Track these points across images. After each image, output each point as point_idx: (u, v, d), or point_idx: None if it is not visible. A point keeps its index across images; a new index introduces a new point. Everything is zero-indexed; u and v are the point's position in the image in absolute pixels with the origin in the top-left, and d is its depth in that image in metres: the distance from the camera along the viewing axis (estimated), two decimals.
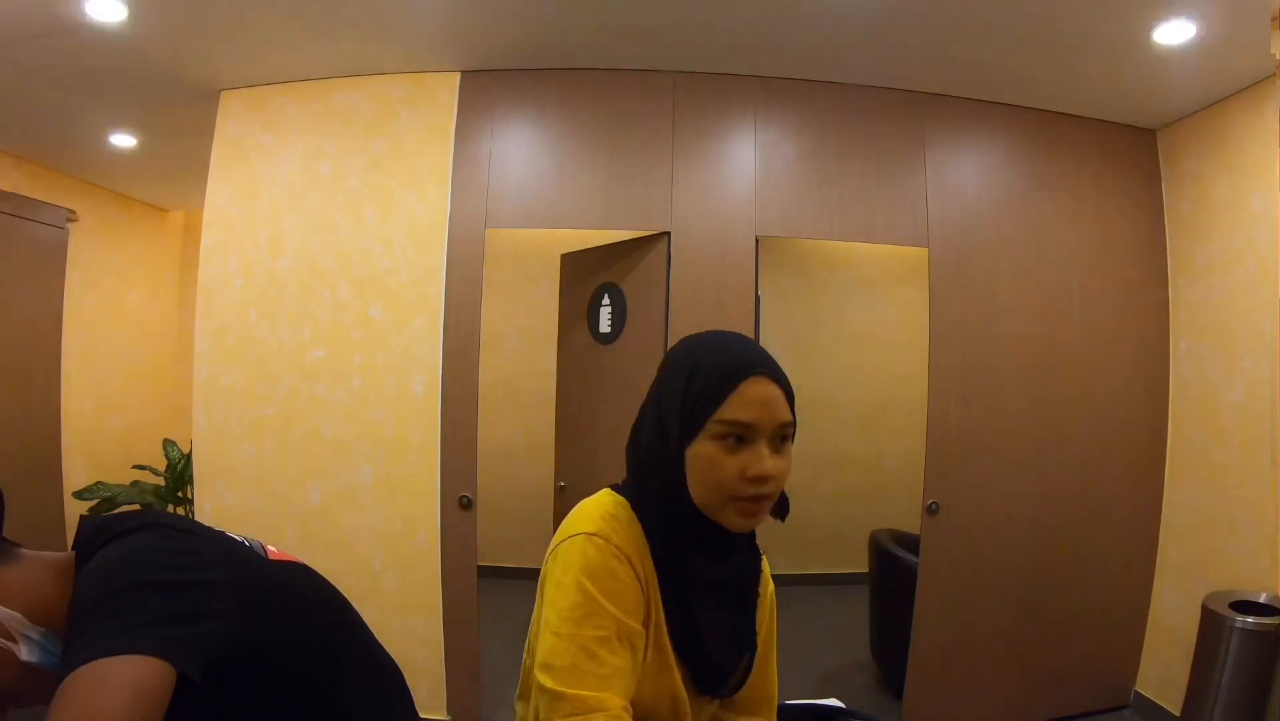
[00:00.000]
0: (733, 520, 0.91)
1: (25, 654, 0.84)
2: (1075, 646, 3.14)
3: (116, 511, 0.97)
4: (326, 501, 2.95)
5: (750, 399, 0.90)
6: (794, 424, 0.94)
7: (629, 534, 0.93)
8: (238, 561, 0.93)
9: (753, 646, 1.03)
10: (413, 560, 2.93)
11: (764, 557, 1.07)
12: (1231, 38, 2.47)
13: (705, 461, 0.90)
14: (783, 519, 0.99)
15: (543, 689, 0.84)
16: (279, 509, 2.96)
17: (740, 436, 0.90)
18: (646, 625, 0.91)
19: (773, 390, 0.91)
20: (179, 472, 4.18)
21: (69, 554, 0.92)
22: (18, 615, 0.85)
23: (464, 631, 2.92)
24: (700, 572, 0.95)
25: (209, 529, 0.97)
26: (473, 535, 2.92)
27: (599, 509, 0.95)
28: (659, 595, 0.93)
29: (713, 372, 0.92)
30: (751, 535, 1.03)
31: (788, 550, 4.72)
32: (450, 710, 2.92)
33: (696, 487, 0.92)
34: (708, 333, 1.01)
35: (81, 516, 0.94)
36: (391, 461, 2.93)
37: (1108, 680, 3.20)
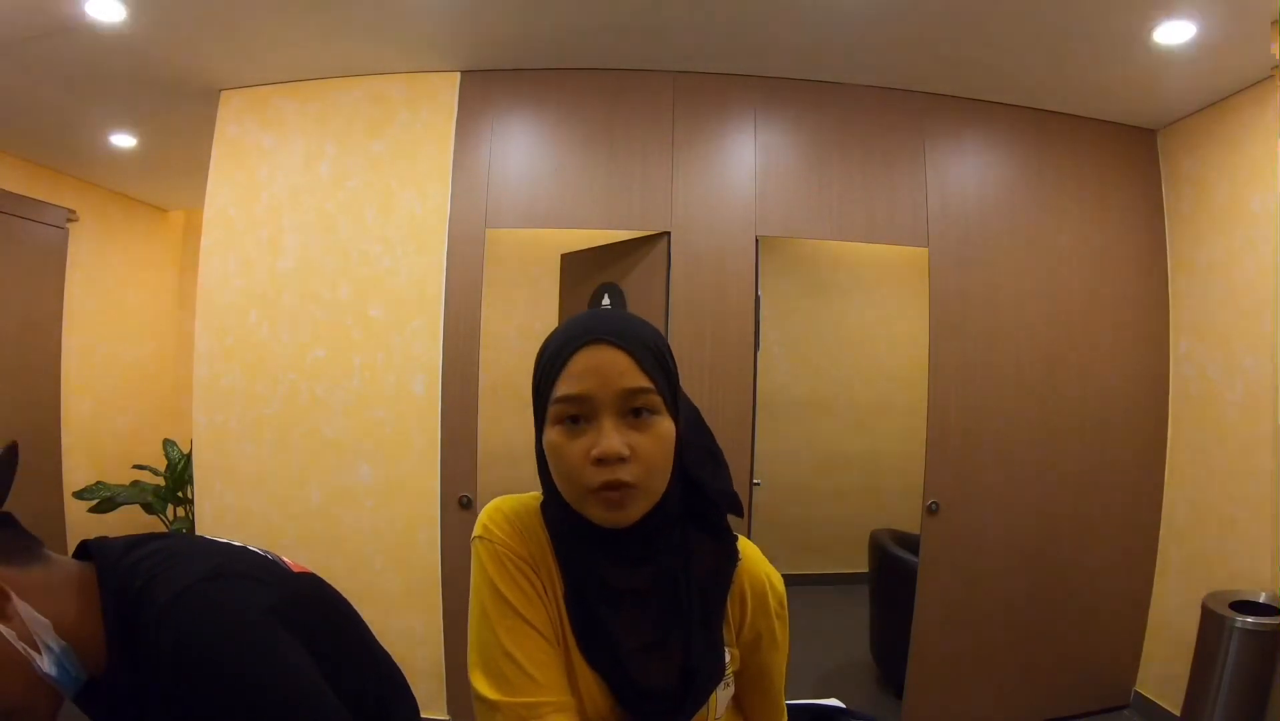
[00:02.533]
0: (597, 513, 0.80)
1: (46, 665, 0.81)
2: (1075, 646, 3.14)
3: (137, 539, 0.95)
4: (326, 501, 2.95)
5: (580, 369, 0.80)
6: (659, 390, 0.81)
7: (522, 530, 0.86)
8: (278, 579, 0.94)
9: (704, 672, 0.85)
10: (413, 560, 2.93)
11: (742, 561, 0.89)
12: (1231, 38, 2.47)
13: (552, 449, 0.81)
14: (737, 514, 0.90)
15: (478, 696, 0.81)
16: (279, 509, 2.96)
17: (578, 415, 0.80)
18: (553, 623, 0.85)
19: (611, 356, 0.80)
20: (179, 472, 4.18)
21: (87, 565, 0.89)
22: (48, 623, 0.82)
23: (464, 632, 2.92)
24: (609, 579, 0.84)
25: (248, 554, 0.97)
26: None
27: (493, 506, 0.89)
28: (562, 595, 0.85)
29: (551, 351, 0.84)
30: (704, 531, 0.89)
31: (788, 550, 4.73)
32: (450, 710, 2.92)
33: (556, 481, 0.82)
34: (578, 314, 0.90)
35: (103, 541, 0.91)
36: (391, 461, 2.93)
37: (1108, 680, 3.20)
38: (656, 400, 0.81)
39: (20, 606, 0.81)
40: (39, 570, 0.85)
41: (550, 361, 0.83)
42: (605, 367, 0.79)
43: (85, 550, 0.91)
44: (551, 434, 0.81)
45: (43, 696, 0.83)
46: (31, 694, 0.82)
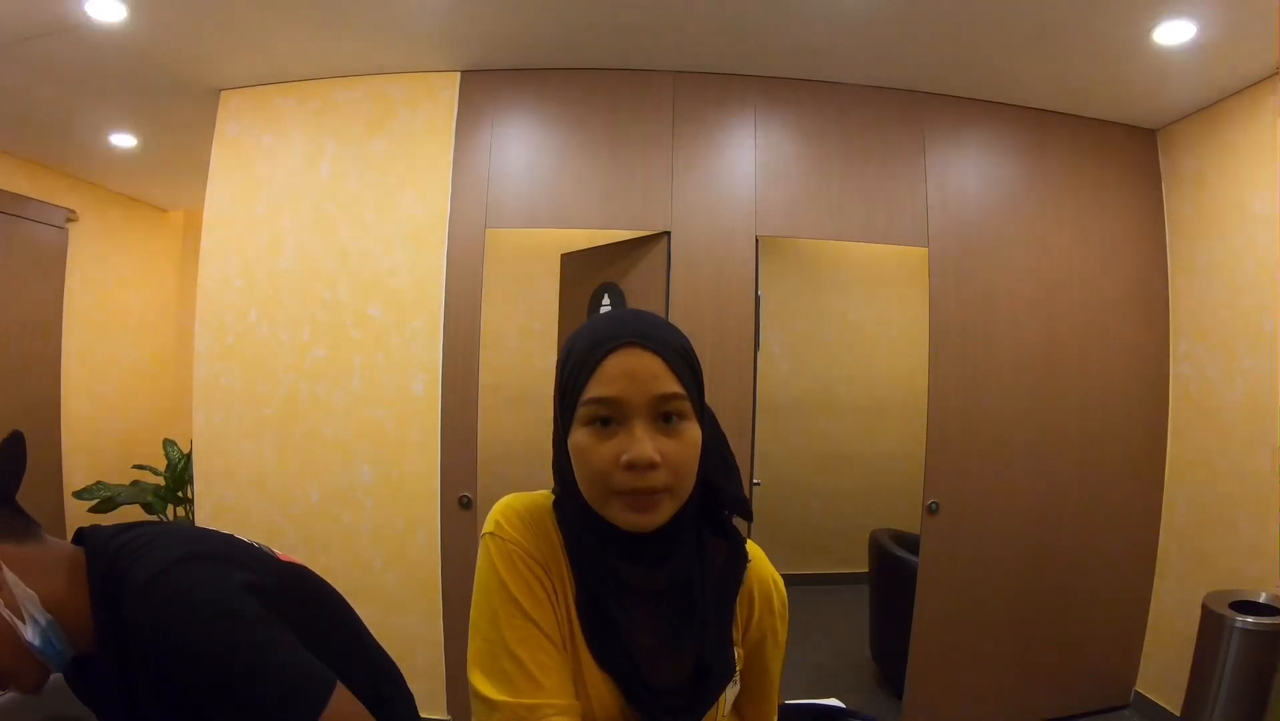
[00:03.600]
0: (621, 517, 0.79)
1: (29, 634, 0.85)
2: (1075, 646, 3.14)
3: (127, 525, 0.98)
4: (326, 501, 2.95)
5: (613, 372, 0.79)
6: (690, 397, 0.81)
7: (535, 529, 0.85)
8: (259, 564, 0.96)
9: (716, 671, 0.85)
10: (413, 560, 2.93)
11: (751, 563, 0.91)
12: (1231, 38, 2.47)
13: (578, 450, 0.80)
14: (747, 519, 0.90)
15: (477, 695, 0.80)
16: (279, 508, 2.96)
17: (609, 417, 0.79)
18: (561, 625, 0.84)
19: (645, 360, 0.79)
20: (179, 472, 4.18)
21: (80, 549, 0.93)
22: (34, 595, 0.86)
23: (464, 631, 2.92)
24: (625, 578, 0.84)
25: (230, 540, 0.99)
26: (473, 535, 2.92)
27: (505, 503, 0.88)
28: (572, 596, 0.84)
29: (581, 350, 0.82)
30: (716, 533, 0.89)
31: (788, 550, 4.73)
32: (450, 710, 2.92)
33: (580, 482, 0.81)
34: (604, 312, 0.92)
35: (95, 527, 0.95)
36: (391, 461, 2.93)
37: (1108, 680, 3.20)
38: (687, 406, 0.81)
39: (9, 577, 0.86)
40: (32, 547, 0.90)
41: (581, 361, 0.81)
42: (639, 371, 0.79)
43: (80, 537, 0.96)
44: (579, 434, 0.80)
45: (26, 665, 0.86)
46: (15, 660, 0.86)
